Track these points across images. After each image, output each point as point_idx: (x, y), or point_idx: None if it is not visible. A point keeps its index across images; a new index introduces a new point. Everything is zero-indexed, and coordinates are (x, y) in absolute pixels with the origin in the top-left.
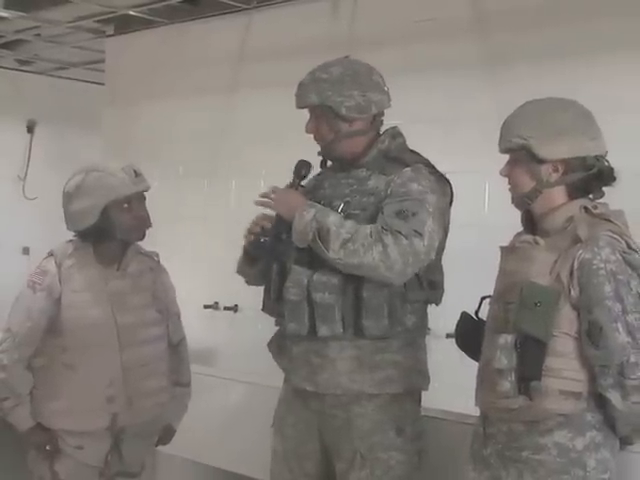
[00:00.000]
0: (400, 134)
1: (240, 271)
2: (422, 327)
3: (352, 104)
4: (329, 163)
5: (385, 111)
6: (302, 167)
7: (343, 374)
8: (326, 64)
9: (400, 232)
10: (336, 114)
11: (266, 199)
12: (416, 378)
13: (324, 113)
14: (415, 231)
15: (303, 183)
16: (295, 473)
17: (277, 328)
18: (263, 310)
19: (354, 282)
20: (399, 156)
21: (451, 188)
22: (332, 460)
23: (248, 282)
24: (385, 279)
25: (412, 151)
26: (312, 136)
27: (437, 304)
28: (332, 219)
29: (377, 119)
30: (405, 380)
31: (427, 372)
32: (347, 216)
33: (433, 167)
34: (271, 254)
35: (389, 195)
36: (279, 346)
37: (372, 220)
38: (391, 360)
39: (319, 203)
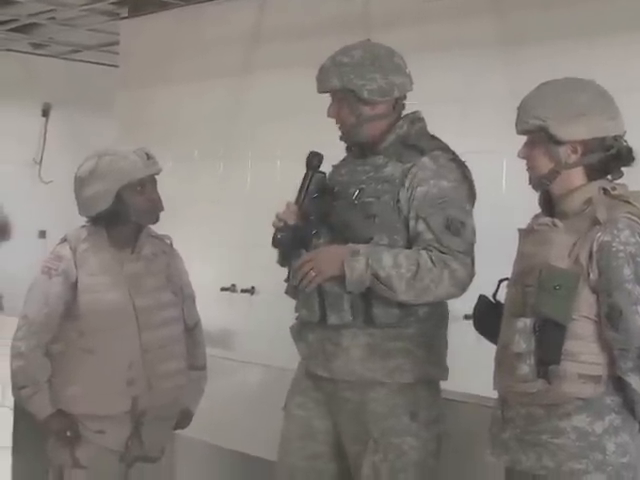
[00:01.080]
0: (420, 119)
1: (279, 262)
2: (438, 317)
3: (374, 87)
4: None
5: None
6: (313, 159)
7: (357, 361)
8: (347, 47)
9: (460, 251)
10: (358, 98)
11: (307, 268)
12: (430, 368)
13: (346, 97)
14: (470, 244)
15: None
16: (296, 455)
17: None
18: (286, 293)
19: None
20: (416, 143)
21: (469, 170)
22: (344, 442)
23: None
24: (457, 296)
25: (432, 136)
26: (334, 120)
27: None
28: (385, 261)
29: (399, 102)
30: (417, 370)
31: (444, 362)
32: (361, 204)
33: (452, 152)
34: (288, 249)
35: (418, 196)
36: (299, 332)
37: (385, 208)
38: (403, 348)
39: (335, 189)
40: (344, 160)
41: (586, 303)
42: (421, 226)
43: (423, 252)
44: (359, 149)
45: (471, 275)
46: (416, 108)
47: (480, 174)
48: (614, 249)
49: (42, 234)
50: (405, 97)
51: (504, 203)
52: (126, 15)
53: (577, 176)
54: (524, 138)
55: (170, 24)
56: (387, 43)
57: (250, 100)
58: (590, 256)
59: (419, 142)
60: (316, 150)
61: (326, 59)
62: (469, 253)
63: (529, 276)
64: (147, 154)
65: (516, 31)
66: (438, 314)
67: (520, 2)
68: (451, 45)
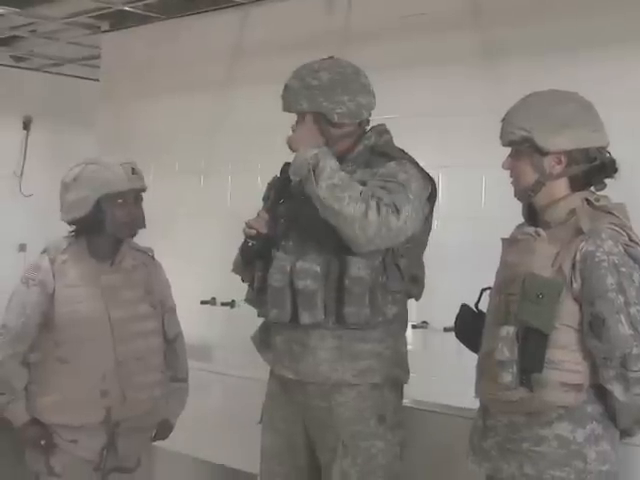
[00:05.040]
0: (387, 131)
1: (235, 269)
2: (402, 319)
3: (343, 111)
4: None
5: (381, 105)
6: (288, 169)
7: (324, 362)
8: (313, 68)
9: (382, 200)
10: (327, 121)
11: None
12: (396, 370)
13: (316, 119)
14: (395, 205)
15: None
16: (286, 467)
17: (261, 321)
18: (245, 301)
19: (336, 270)
20: (385, 151)
21: (434, 185)
22: (316, 453)
23: (243, 280)
24: (355, 238)
25: (399, 148)
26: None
27: (417, 299)
28: (331, 163)
29: (364, 120)
30: (385, 371)
31: (407, 365)
32: None
33: (418, 164)
34: (257, 257)
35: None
36: (262, 339)
37: None
38: (372, 351)
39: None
40: None
41: (569, 312)
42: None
43: (360, 185)
44: None
45: (379, 228)
46: (396, 122)
47: (460, 188)
48: (597, 259)
49: (22, 247)
50: (370, 114)
51: (483, 216)
52: (107, 29)
53: (561, 187)
54: (503, 152)
55: (151, 38)
56: (367, 58)
57: (231, 114)
58: (573, 266)
59: (388, 150)
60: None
61: (290, 77)
62: (388, 208)
63: (512, 285)
64: (133, 169)
65: (496, 46)
66: (402, 316)
67: (500, 18)
68: (430, 59)
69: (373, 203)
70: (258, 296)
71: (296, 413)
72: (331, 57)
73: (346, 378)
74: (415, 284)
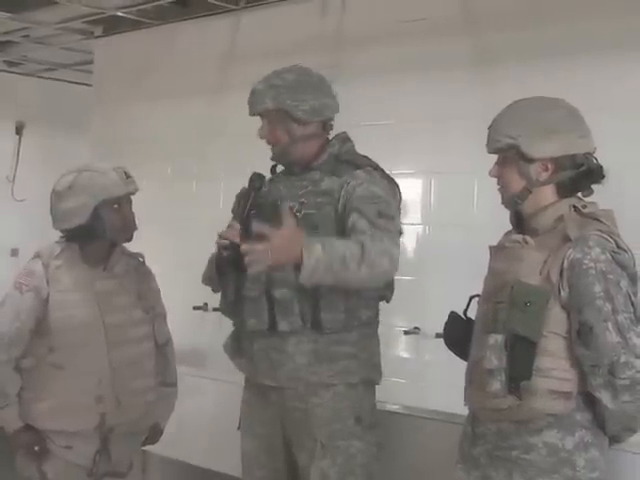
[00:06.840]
0: (349, 139)
1: (205, 281)
2: (375, 321)
3: (307, 108)
4: (279, 169)
5: (373, 111)
6: (256, 180)
7: (302, 368)
8: (279, 71)
9: (392, 231)
10: (292, 117)
11: (260, 254)
12: (371, 371)
13: (280, 117)
14: (400, 234)
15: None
16: (266, 470)
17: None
18: (221, 312)
19: None
20: (350, 159)
21: (399, 188)
22: (294, 455)
23: (214, 290)
24: (388, 279)
25: (362, 155)
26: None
27: (388, 301)
28: (339, 246)
29: (328, 124)
30: (361, 371)
31: (380, 366)
32: (303, 216)
33: (382, 170)
34: (232, 267)
35: (353, 197)
36: (234, 347)
37: (326, 219)
38: (348, 353)
39: (276, 202)
40: (275, 178)
41: (556, 320)
42: (354, 216)
43: (359, 237)
44: (290, 168)
45: (398, 254)
46: (389, 127)
47: (452, 194)
48: (585, 266)
49: (14, 252)
50: (333, 119)
51: (475, 222)
52: (100, 34)
53: (548, 194)
54: (495, 158)
55: (144, 43)
56: (361, 63)
57: (224, 119)
58: (561, 273)
59: (353, 158)
60: (259, 172)
61: (256, 83)
62: (399, 236)
63: (500, 293)
64: (126, 173)
65: (488, 52)
66: (375, 318)
67: (492, 23)
68: (423, 65)
69: (387, 240)
70: (233, 306)
71: (274, 415)
72: (298, 65)
73: (323, 379)
74: (388, 288)
